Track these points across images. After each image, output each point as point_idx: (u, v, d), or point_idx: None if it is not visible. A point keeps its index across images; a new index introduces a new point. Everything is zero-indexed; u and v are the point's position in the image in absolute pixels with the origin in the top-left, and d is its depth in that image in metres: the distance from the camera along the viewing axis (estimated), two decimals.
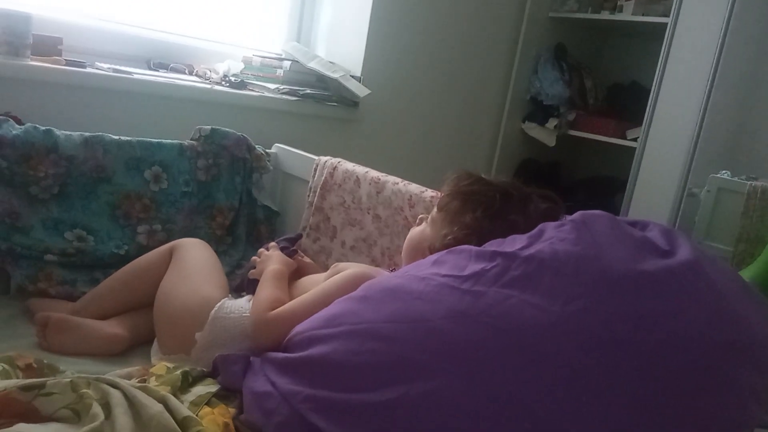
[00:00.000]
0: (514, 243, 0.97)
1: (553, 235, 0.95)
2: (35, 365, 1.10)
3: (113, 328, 1.32)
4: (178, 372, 1.10)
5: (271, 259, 1.34)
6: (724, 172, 2.09)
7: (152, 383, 1.08)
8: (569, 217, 1.00)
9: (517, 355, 0.85)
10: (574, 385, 0.82)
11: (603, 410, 0.81)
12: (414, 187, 1.48)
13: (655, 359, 0.83)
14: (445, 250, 1.05)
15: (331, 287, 1.16)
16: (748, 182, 1.97)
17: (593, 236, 0.94)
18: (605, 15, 2.75)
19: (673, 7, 2.33)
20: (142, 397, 0.95)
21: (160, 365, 1.14)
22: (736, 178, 2.03)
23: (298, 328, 1.08)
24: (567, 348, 0.84)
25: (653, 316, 0.85)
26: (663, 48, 2.35)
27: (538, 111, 2.88)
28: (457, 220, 1.12)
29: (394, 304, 0.97)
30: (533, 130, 2.89)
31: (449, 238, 1.11)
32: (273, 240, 1.56)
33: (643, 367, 0.82)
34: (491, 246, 0.99)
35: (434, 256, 1.04)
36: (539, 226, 1.00)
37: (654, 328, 0.84)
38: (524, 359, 0.84)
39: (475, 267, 0.95)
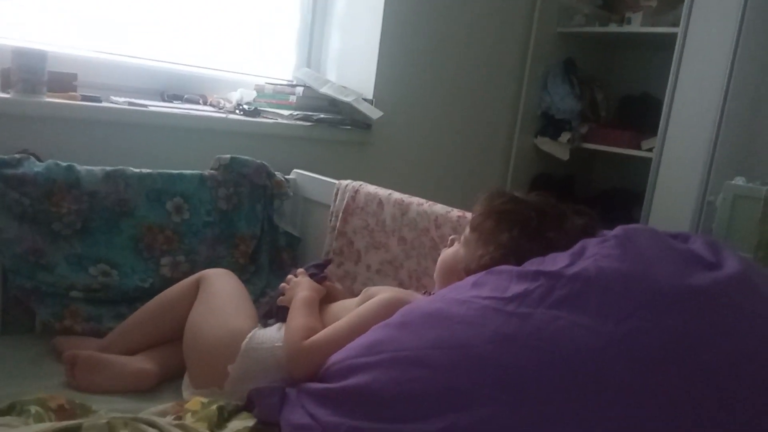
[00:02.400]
0: (556, 261, 0.95)
1: (597, 252, 0.93)
2: (67, 406, 1.09)
3: (143, 363, 1.29)
4: (214, 407, 1.08)
5: (300, 286, 1.31)
6: (738, 178, 2.06)
7: (188, 420, 1.06)
8: (610, 233, 0.98)
9: (569, 379, 0.82)
10: (631, 408, 0.79)
11: None
12: (440, 208, 1.46)
13: (715, 377, 0.80)
14: (484, 271, 1.02)
15: (367, 313, 1.13)
16: (765, 188, 1.95)
17: (638, 251, 0.91)
18: (613, 28, 2.74)
19: (683, 17, 2.32)
20: None
21: (194, 400, 1.12)
22: (751, 185, 2.01)
23: (336, 356, 1.05)
24: (622, 370, 0.81)
25: (709, 332, 0.82)
26: (674, 58, 2.33)
27: (550, 125, 2.86)
28: (493, 240, 1.09)
29: (436, 329, 0.94)
30: (546, 144, 2.87)
31: (486, 258, 1.08)
32: (296, 266, 1.53)
33: (703, 386, 0.80)
34: (532, 265, 0.96)
35: (473, 278, 1.02)
36: (580, 243, 0.98)
37: (711, 344, 0.82)
38: (577, 383, 0.82)
39: (517, 288, 0.93)
